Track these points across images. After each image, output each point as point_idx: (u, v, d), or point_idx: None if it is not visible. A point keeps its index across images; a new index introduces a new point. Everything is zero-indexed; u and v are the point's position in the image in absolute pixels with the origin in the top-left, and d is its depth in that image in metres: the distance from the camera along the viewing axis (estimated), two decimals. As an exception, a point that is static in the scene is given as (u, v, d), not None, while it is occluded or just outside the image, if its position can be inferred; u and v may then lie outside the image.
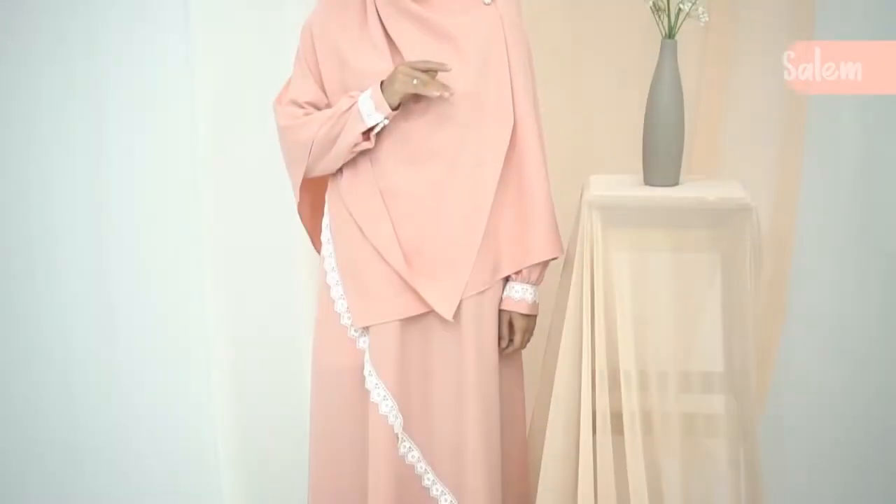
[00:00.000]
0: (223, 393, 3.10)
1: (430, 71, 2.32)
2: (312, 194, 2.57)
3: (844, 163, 2.91)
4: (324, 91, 2.46)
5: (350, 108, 2.37)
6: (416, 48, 2.36)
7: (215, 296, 3.08)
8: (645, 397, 2.48)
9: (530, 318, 2.51)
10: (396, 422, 2.43)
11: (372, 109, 2.35)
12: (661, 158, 2.53)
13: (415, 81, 2.31)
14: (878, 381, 2.91)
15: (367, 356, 2.45)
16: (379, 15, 2.40)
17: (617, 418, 2.47)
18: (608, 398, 2.47)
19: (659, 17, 2.50)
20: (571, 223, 2.58)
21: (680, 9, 2.47)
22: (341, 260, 2.48)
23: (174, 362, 3.18)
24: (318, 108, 2.46)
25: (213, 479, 3.15)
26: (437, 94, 2.31)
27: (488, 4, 2.40)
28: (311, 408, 2.54)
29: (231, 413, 3.11)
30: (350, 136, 2.37)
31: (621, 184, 2.57)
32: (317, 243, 2.60)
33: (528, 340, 2.53)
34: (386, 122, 2.36)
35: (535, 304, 2.49)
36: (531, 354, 2.63)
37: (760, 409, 2.79)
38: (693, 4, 2.46)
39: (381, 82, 2.35)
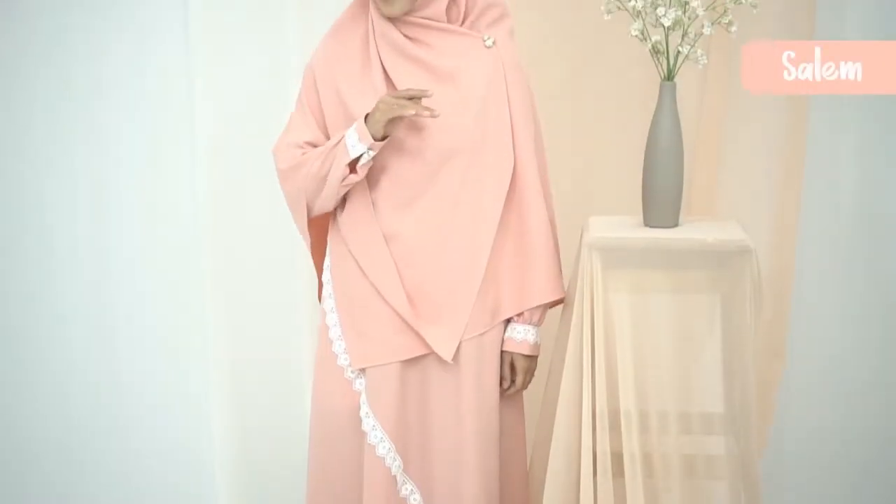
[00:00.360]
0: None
1: (414, 98, 2.32)
2: (316, 238, 2.58)
3: (843, 201, 2.92)
4: (325, 133, 2.46)
5: (338, 142, 2.37)
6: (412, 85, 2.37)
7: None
8: (645, 438, 2.48)
9: (532, 359, 2.51)
10: (395, 464, 2.42)
11: (356, 141, 2.34)
12: (661, 200, 2.54)
13: (395, 107, 2.30)
14: (879, 422, 2.91)
15: (363, 397, 2.45)
16: (380, 57, 2.41)
17: (617, 459, 2.47)
18: (608, 439, 2.47)
19: (658, 59, 2.52)
20: (571, 264, 2.59)
21: (679, 51, 2.49)
22: (340, 300, 2.48)
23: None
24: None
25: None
26: (413, 112, 2.28)
27: (489, 47, 2.41)
28: (309, 448, 2.53)
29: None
30: (338, 170, 2.37)
31: (621, 225, 2.58)
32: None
33: (530, 381, 2.53)
34: (371, 153, 2.35)
35: (536, 346, 2.50)
36: (531, 393, 2.63)
37: (761, 449, 2.78)
38: (692, 47, 2.48)
39: (367, 114, 2.35)
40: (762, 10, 2.67)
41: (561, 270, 2.53)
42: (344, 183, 2.39)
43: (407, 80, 2.38)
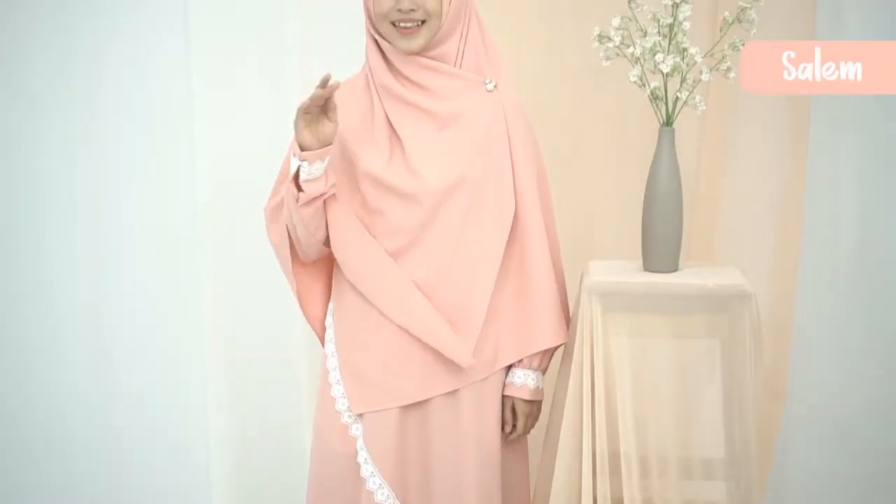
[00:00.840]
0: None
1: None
2: (307, 287, 2.58)
3: (843, 245, 2.92)
4: None
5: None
6: (418, 138, 2.38)
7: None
8: (646, 483, 2.48)
9: (533, 404, 2.50)
10: None
11: (292, 157, 2.35)
12: (660, 245, 2.56)
13: (300, 109, 2.31)
14: (881, 468, 2.90)
15: (360, 443, 2.45)
16: (383, 107, 2.42)
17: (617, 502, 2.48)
18: (609, 484, 2.46)
19: (657, 105, 2.54)
20: (571, 308, 2.60)
21: (677, 97, 2.51)
22: (341, 344, 2.48)
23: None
24: None
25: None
26: (320, 91, 2.27)
27: (490, 91, 2.42)
28: (308, 491, 2.53)
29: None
30: (289, 190, 2.37)
31: (621, 270, 2.58)
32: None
33: (533, 426, 2.53)
34: (305, 164, 2.32)
35: (538, 390, 2.49)
36: (534, 436, 2.63)
37: (762, 495, 2.77)
38: (690, 94, 2.50)
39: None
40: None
41: (564, 314, 2.53)
42: (301, 204, 2.36)
43: (409, 126, 2.39)
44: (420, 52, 2.38)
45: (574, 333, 2.52)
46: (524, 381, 2.48)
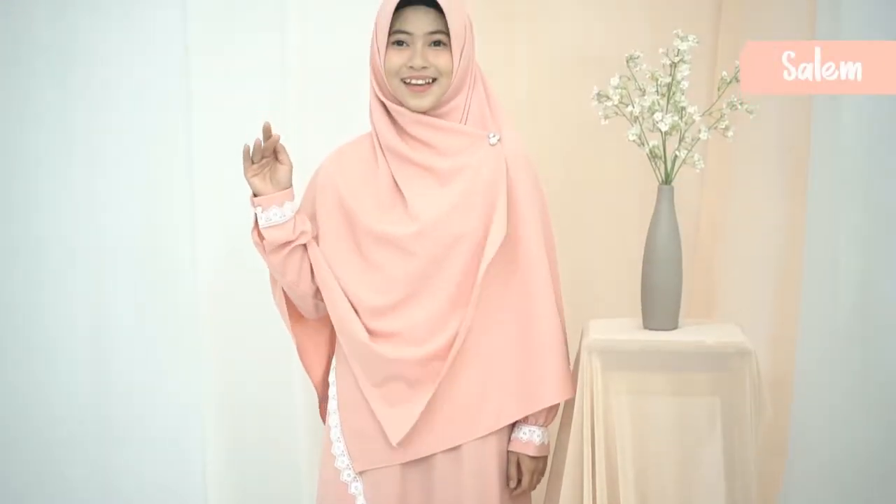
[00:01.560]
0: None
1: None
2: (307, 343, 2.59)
3: (842, 303, 2.92)
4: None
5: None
6: (421, 194, 2.39)
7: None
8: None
9: (539, 460, 2.49)
10: None
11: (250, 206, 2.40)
12: (660, 302, 2.56)
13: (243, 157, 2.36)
14: None
15: (360, 501, 2.44)
16: (388, 166, 2.44)
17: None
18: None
19: (656, 163, 2.55)
20: (571, 365, 2.60)
21: (676, 156, 2.52)
22: (342, 402, 2.48)
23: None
24: None
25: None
26: (262, 143, 2.34)
27: (494, 145, 2.42)
28: None
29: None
30: (252, 239, 2.41)
31: (621, 327, 2.58)
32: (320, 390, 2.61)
33: (538, 482, 2.52)
34: (258, 210, 2.37)
35: (543, 446, 2.48)
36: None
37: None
38: (689, 152, 2.51)
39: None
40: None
41: (569, 369, 2.52)
42: (268, 252, 2.40)
43: (412, 181, 2.41)
44: (428, 110, 2.40)
45: (575, 391, 2.52)
46: (530, 438, 2.47)
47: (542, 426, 2.47)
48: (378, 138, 2.45)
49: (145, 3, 3.10)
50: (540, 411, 2.46)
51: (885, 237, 2.87)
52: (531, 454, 2.47)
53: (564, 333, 2.50)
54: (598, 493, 2.43)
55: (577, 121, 2.97)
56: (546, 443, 2.50)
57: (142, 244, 3.15)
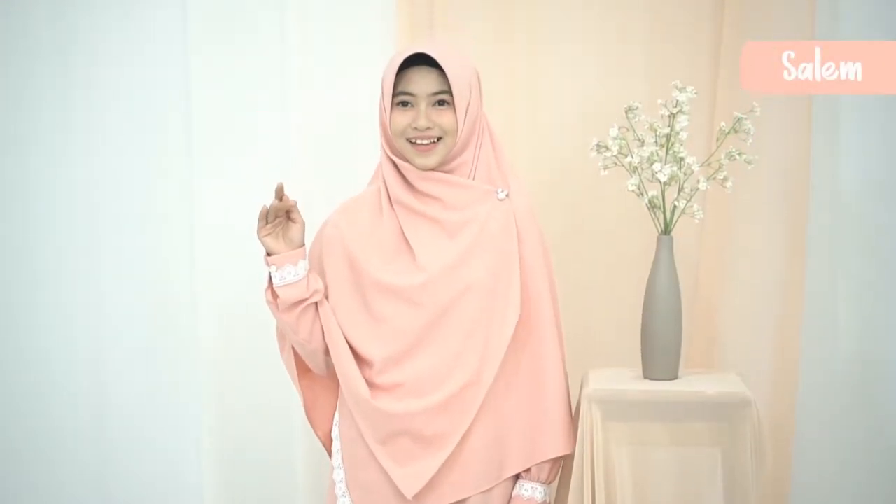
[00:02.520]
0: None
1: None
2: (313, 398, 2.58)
3: (842, 350, 2.93)
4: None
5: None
6: (429, 245, 2.40)
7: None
8: None
9: None
10: None
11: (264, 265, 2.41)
12: (660, 352, 2.56)
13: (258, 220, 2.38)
14: None
15: None
16: (398, 218, 2.45)
17: None
18: None
19: (655, 213, 2.56)
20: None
21: (675, 206, 2.53)
22: (347, 458, 2.47)
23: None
24: None
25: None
26: (277, 203, 2.36)
27: (502, 200, 2.43)
28: None
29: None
30: (265, 298, 2.42)
31: (620, 377, 2.59)
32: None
33: None
34: (272, 269, 2.38)
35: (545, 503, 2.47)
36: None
37: None
38: (688, 202, 2.52)
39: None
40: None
41: (573, 423, 2.51)
42: (281, 311, 2.40)
43: (420, 234, 2.41)
44: (436, 167, 2.41)
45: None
46: (532, 494, 2.45)
47: (544, 483, 2.46)
48: (387, 191, 2.46)
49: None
50: (542, 466, 2.45)
51: (884, 285, 2.88)
52: None
53: (568, 387, 2.50)
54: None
55: (578, 171, 2.99)
56: (547, 501, 2.48)
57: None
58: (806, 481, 2.97)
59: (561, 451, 2.46)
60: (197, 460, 3.15)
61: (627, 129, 2.55)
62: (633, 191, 2.53)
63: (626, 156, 2.54)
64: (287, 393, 2.92)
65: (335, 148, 3.06)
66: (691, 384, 2.54)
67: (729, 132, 2.54)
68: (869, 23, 2.79)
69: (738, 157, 2.53)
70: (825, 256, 2.92)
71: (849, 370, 2.92)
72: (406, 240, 2.43)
